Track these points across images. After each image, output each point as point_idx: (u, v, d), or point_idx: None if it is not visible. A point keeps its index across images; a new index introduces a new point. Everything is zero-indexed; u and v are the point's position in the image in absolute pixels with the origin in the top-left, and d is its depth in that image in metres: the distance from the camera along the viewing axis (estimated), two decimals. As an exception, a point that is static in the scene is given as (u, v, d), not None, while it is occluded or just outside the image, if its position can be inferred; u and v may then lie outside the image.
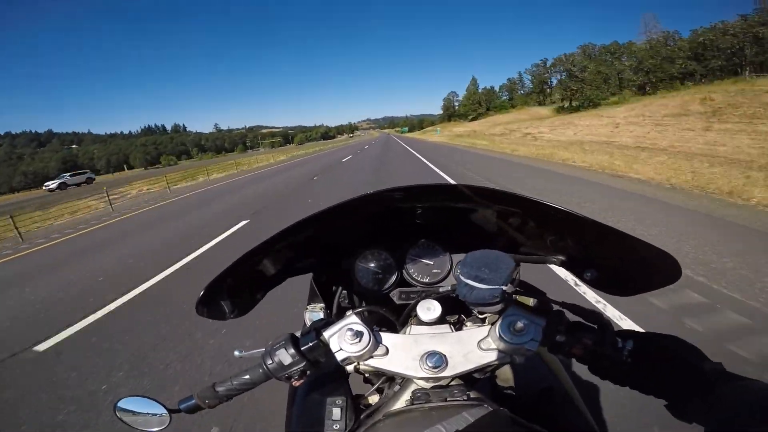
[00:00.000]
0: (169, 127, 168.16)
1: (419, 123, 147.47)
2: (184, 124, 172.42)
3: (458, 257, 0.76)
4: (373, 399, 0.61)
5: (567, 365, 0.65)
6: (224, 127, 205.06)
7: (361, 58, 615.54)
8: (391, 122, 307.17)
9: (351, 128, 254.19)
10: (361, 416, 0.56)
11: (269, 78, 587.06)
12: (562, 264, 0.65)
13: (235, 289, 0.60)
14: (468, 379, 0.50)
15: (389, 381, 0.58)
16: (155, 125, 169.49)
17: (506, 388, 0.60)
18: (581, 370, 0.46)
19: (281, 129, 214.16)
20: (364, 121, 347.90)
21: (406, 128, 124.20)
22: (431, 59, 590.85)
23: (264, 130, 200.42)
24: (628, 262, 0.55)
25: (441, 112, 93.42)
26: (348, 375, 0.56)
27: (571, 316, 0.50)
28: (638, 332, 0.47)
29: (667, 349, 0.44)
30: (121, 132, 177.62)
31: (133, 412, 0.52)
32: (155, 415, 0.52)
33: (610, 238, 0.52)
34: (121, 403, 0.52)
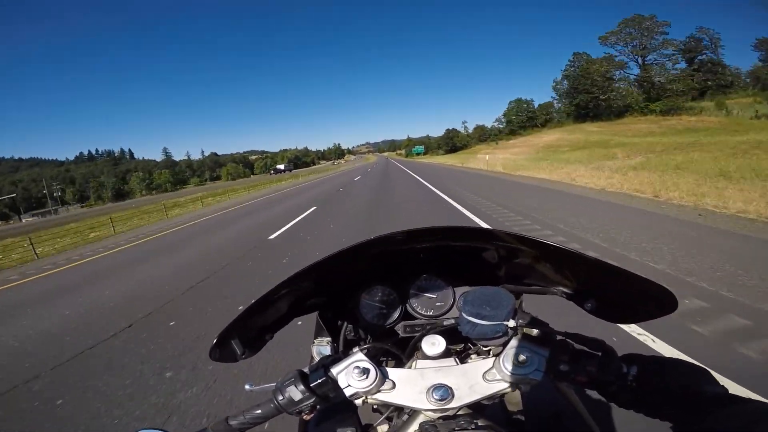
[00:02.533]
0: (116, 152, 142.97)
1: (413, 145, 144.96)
2: (130, 149, 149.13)
3: (461, 290, 0.83)
4: (383, 429, 0.66)
5: (577, 388, 0.70)
6: (192, 152, 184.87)
7: (360, 81, 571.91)
8: (391, 145, 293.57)
9: (337, 152, 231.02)
10: None
11: (254, 99, 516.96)
12: (563, 295, 0.70)
13: (245, 333, 0.67)
14: (476, 407, 0.54)
15: (398, 410, 0.62)
16: (95, 150, 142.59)
17: (516, 413, 0.63)
18: (592, 391, 0.52)
19: (258, 154, 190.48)
20: (362, 144, 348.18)
21: (421, 148, 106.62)
22: (432, 81, 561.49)
23: (253, 156, 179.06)
24: (625, 294, 0.61)
25: (443, 133, 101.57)
26: (357, 407, 0.60)
27: (576, 345, 0.55)
28: (643, 356, 0.51)
29: (671, 373, 0.47)
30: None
31: None
32: None
33: (608, 273, 0.58)
34: None
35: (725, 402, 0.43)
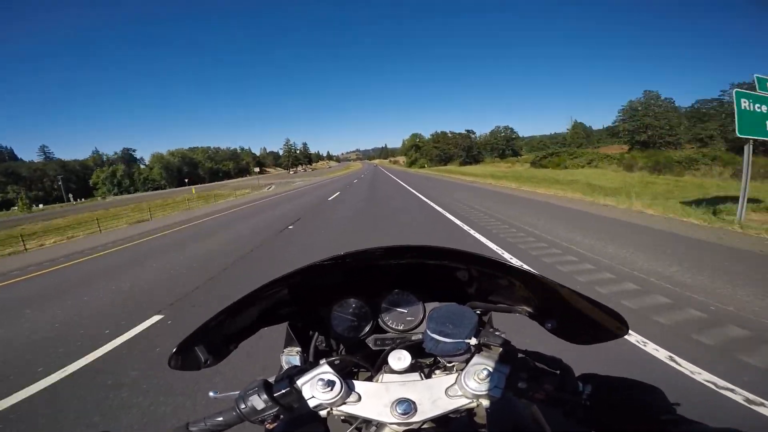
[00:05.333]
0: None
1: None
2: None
3: (431, 305, 0.90)
4: None
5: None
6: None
7: (348, 88, 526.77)
8: (383, 152, 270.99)
9: (298, 157, 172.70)
10: None
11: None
12: (527, 314, 0.79)
13: (209, 341, 0.70)
14: (442, 421, 0.59)
15: (366, 422, 0.66)
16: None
17: (481, 426, 0.69)
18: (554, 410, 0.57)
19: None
20: (352, 152, 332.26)
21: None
22: (430, 84, 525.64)
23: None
24: (581, 317, 0.68)
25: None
26: (324, 417, 0.64)
27: (536, 363, 0.61)
28: (599, 375, 0.57)
29: (624, 392, 0.53)
30: None
31: None
32: None
33: (565, 296, 0.66)
34: None
35: (674, 423, 0.47)
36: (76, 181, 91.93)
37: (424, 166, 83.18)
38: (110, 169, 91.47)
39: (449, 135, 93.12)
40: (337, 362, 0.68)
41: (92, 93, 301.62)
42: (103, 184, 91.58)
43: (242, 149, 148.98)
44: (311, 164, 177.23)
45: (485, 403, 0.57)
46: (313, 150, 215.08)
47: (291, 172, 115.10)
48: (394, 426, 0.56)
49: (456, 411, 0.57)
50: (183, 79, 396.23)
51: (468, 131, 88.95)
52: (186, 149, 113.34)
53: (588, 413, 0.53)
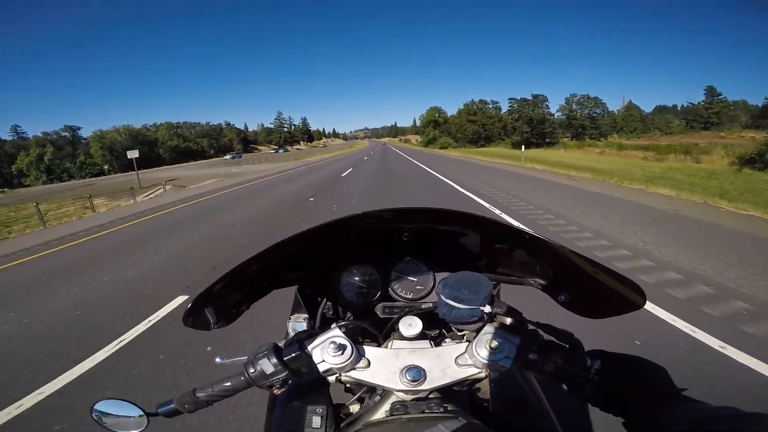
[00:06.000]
0: None
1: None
2: None
3: (441, 275, 0.89)
4: (354, 408, 0.71)
5: (541, 380, 0.78)
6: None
7: (359, 65, 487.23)
8: (392, 130, 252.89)
9: (286, 135, 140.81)
10: (341, 425, 0.65)
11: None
12: (539, 286, 0.79)
13: (221, 301, 0.71)
14: (446, 392, 0.60)
15: (370, 391, 0.68)
16: None
17: (484, 401, 0.70)
18: (557, 384, 0.59)
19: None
20: (360, 130, 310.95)
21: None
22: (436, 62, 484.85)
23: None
24: (597, 288, 0.67)
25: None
26: (329, 384, 0.66)
27: (546, 335, 0.61)
28: (607, 352, 0.58)
29: (631, 369, 0.55)
30: None
31: (111, 415, 0.59)
32: (133, 417, 0.59)
33: (581, 265, 0.65)
34: (98, 406, 0.59)
35: (676, 402, 0.49)
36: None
37: (446, 147, 62.75)
38: (36, 153, 70.16)
39: (490, 108, 71.53)
40: (348, 326, 0.68)
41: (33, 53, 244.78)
42: (29, 170, 71.11)
43: (228, 125, 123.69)
44: (311, 141, 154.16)
45: (494, 373, 0.58)
46: (316, 127, 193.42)
47: (281, 151, 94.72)
48: (401, 394, 0.56)
49: (460, 383, 0.58)
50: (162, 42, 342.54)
51: (536, 96, 63.64)
52: (141, 127, 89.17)
53: (596, 388, 0.54)
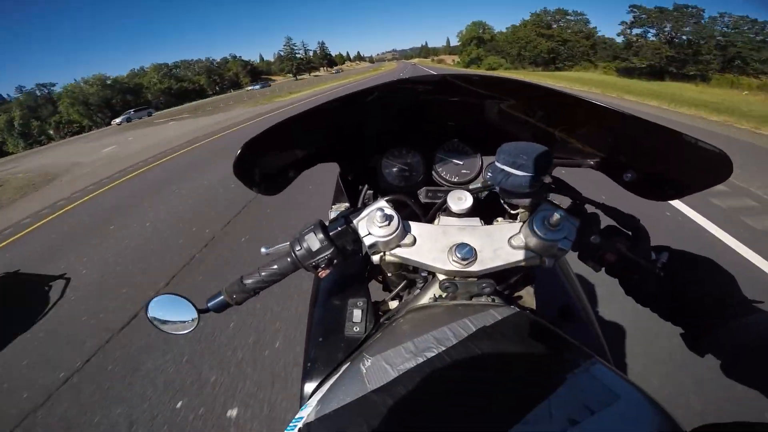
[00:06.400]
0: None
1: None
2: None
3: (488, 159, 0.84)
4: (393, 305, 0.71)
5: (589, 291, 0.78)
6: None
7: None
8: (422, 51, 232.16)
9: (299, 62, 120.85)
10: (381, 320, 0.66)
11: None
12: (598, 167, 0.69)
13: (270, 161, 0.68)
14: (495, 278, 0.56)
15: (410, 287, 0.67)
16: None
17: (528, 309, 0.66)
18: (602, 294, 0.62)
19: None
20: (388, 52, 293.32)
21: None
22: None
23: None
24: (672, 162, 0.58)
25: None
26: (369, 280, 0.67)
27: (607, 220, 0.55)
28: (674, 249, 0.52)
29: (700, 270, 0.48)
30: None
31: (163, 317, 0.61)
32: (185, 318, 0.61)
33: (653, 135, 0.55)
34: (153, 304, 0.61)
35: (743, 312, 0.43)
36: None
37: (495, 69, 46.78)
38: (4, 118, 57.69)
39: (572, 21, 49.78)
40: (395, 200, 0.66)
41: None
42: (3, 136, 61.20)
43: (234, 57, 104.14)
44: (333, 66, 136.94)
45: (549, 261, 0.52)
46: (338, 51, 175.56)
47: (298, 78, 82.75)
48: (451, 272, 0.53)
49: (514, 270, 0.54)
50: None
51: (684, 7, 37.79)
52: (129, 72, 73.79)
53: (659, 287, 0.48)
